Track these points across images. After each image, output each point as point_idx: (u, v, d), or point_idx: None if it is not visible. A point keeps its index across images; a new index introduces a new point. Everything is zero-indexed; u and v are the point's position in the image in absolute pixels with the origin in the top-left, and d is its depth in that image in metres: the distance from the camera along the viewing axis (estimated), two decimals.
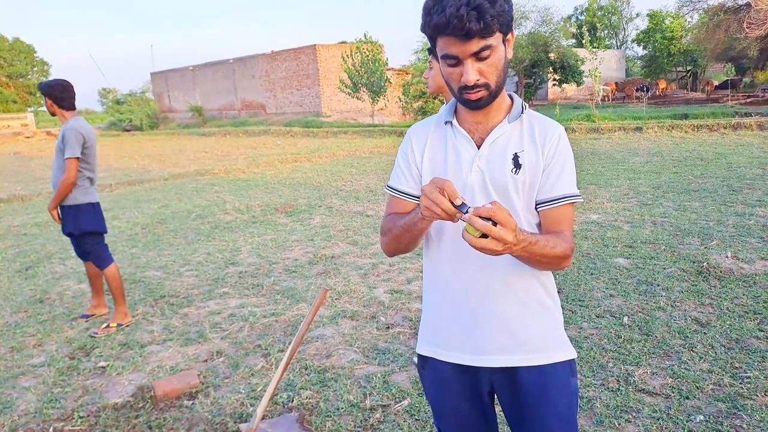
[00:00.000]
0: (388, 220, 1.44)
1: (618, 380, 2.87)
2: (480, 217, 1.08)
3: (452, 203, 1.12)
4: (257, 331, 3.82)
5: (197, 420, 2.79)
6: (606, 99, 28.23)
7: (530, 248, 1.19)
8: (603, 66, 23.76)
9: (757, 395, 2.65)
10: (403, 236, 1.37)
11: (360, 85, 23.58)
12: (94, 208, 4.02)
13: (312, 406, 2.84)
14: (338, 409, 2.80)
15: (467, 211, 1.09)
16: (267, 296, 4.49)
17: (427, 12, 1.22)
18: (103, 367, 3.40)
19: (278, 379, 2.44)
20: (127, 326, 4.01)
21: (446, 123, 1.42)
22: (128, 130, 33.83)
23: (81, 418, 2.86)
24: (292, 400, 2.89)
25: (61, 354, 3.62)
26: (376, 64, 23.23)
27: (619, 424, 2.51)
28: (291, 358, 2.46)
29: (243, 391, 3.03)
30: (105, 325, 3.95)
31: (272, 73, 30.96)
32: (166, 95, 38.81)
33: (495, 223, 1.08)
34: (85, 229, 3.96)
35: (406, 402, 2.81)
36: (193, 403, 2.94)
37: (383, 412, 2.75)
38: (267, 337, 3.71)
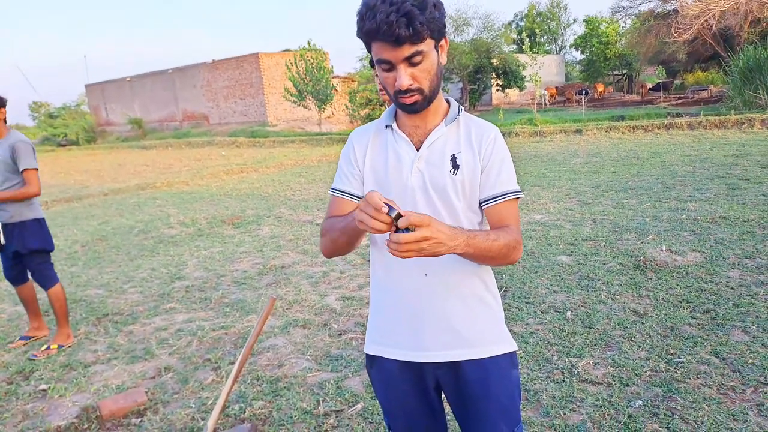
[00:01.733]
0: (328, 222, 1.45)
1: (563, 372, 2.98)
2: (400, 229, 1.10)
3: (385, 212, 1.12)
4: (206, 345, 3.74)
5: None
6: (544, 104, 29.20)
7: (471, 242, 1.22)
8: (543, 71, 24.59)
9: (690, 378, 2.81)
10: (340, 238, 1.40)
11: (306, 94, 23.45)
12: (41, 224, 3.86)
13: (265, 416, 2.81)
14: (291, 417, 2.78)
15: (395, 215, 1.11)
16: (215, 309, 4.40)
17: (361, 18, 1.25)
18: (44, 390, 3.26)
19: (228, 391, 2.40)
20: (69, 347, 3.84)
21: (386, 127, 1.46)
22: (63, 145, 32.34)
23: None
24: (245, 412, 2.85)
25: None
26: (321, 71, 23.19)
27: (565, 414, 2.60)
28: (240, 369, 2.43)
29: (193, 406, 2.96)
30: (45, 347, 3.79)
31: (214, 83, 30.38)
32: (102, 108, 37.42)
33: (413, 229, 1.10)
34: (32, 247, 3.78)
35: (359, 406, 2.82)
36: (141, 421, 2.85)
37: (337, 417, 2.75)
38: (216, 350, 3.63)
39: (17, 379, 3.46)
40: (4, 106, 3.73)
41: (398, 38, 1.21)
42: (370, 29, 1.22)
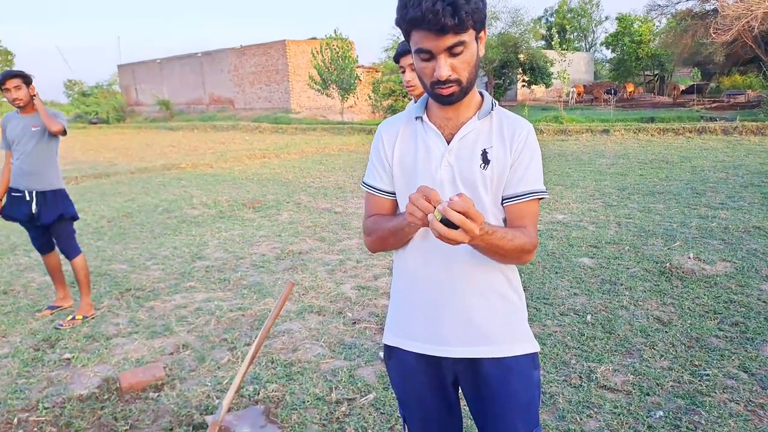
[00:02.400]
0: (373, 221, 1.45)
1: (580, 377, 2.93)
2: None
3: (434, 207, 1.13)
4: (224, 324, 3.77)
5: (163, 412, 2.75)
6: (576, 100, 28.73)
7: (487, 238, 1.21)
8: (572, 68, 24.18)
9: (716, 392, 2.73)
10: (389, 238, 1.41)
11: (330, 82, 23.42)
12: (67, 194, 4.02)
13: (278, 399, 2.82)
14: (304, 402, 2.78)
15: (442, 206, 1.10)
16: (234, 291, 4.43)
17: (403, 6, 1.22)
18: (68, 359, 3.34)
19: (244, 372, 2.41)
20: (93, 319, 3.93)
21: (417, 119, 1.43)
22: (94, 123, 32.92)
23: (46, 409, 2.81)
24: (258, 393, 2.87)
25: (25, 345, 3.54)
26: (346, 61, 23.10)
27: (581, 420, 2.56)
28: (257, 351, 2.44)
29: (209, 384, 2.99)
30: (71, 317, 3.88)
31: (241, 68, 30.53)
32: (133, 88, 37.92)
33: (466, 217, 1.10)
34: (71, 213, 3.93)
35: (371, 396, 2.82)
36: (158, 395, 2.89)
37: (349, 405, 2.75)
38: (233, 331, 3.66)
39: (44, 346, 3.54)
40: (31, 83, 3.82)
41: (443, 27, 1.19)
42: (414, 17, 1.20)
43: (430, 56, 1.25)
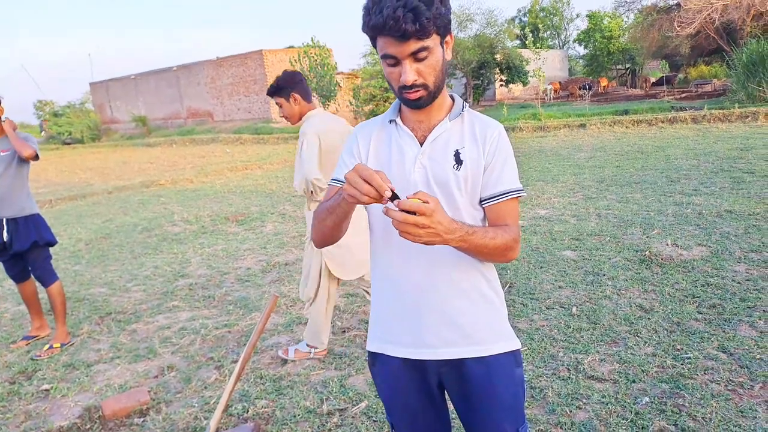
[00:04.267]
0: (319, 207, 1.44)
1: (568, 369, 2.95)
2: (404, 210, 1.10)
3: (384, 194, 1.12)
4: (209, 343, 3.73)
5: None
6: (549, 99, 29.09)
7: (468, 238, 1.23)
8: (547, 66, 24.49)
9: (697, 374, 2.78)
10: (327, 220, 1.37)
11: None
12: (42, 218, 3.93)
13: (268, 415, 2.79)
14: (295, 416, 2.76)
15: (390, 195, 1.11)
16: (219, 307, 4.39)
17: (367, 12, 1.24)
18: (46, 390, 3.25)
19: (231, 390, 2.39)
20: (71, 346, 3.84)
21: (390, 122, 1.45)
22: (68, 143, 32.39)
23: None
24: (248, 411, 2.83)
25: (0, 379, 3.43)
26: (325, 68, 23.14)
27: (571, 411, 2.58)
28: (243, 367, 2.41)
29: (196, 405, 2.95)
30: (48, 346, 3.78)
31: (218, 80, 30.36)
32: (107, 106, 37.46)
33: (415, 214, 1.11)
34: (46, 239, 3.84)
35: (363, 404, 2.81)
36: (144, 421, 2.84)
37: (341, 415, 2.73)
38: (220, 349, 3.62)
39: (20, 378, 3.45)
40: None
41: (404, 33, 1.20)
42: (377, 24, 1.21)
43: (395, 62, 1.27)
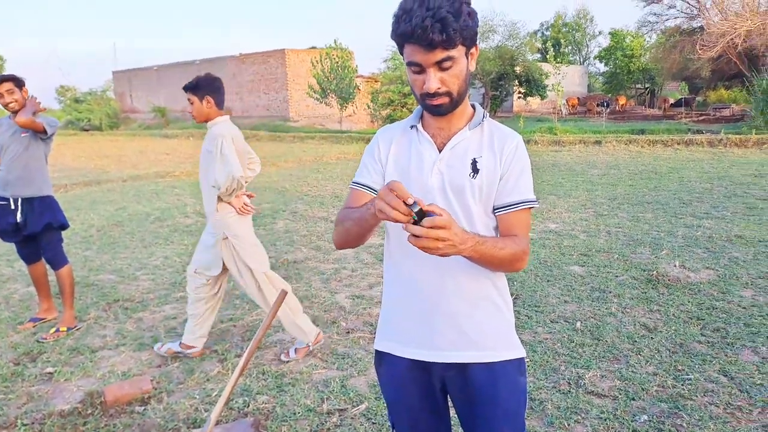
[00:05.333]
0: (344, 212, 1.47)
1: (569, 383, 2.95)
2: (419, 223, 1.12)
3: (405, 203, 1.14)
4: (214, 336, 3.76)
5: (149, 426, 2.73)
6: (570, 112, 29.03)
7: (479, 248, 1.25)
8: (566, 81, 24.43)
9: (697, 396, 2.77)
10: (352, 228, 1.40)
11: (329, 91, 23.55)
12: (56, 200, 3.98)
13: (268, 411, 2.82)
14: (294, 413, 2.79)
15: (417, 210, 1.13)
16: (225, 301, 4.42)
17: (396, 20, 1.28)
18: (50, 373, 3.29)
19: (233, 384, 2.42)
20: (77, 331, 3.89)
21: (412, 127, 1.48)
22: (87, 130, 32.76)
23: (24, 425, 2.76)
24: (248, 405, 2.86)
25: (4, 360, 3.47)
26: (346, 70, 23.27)
27: (569, 425, 2.58)
28: (247, 362, 2.44)
29: (197, 397, 2.98)
30: (54, 329, 3.82)
31: (239, 76, 30.61)
32: (128, 95, 37.89)
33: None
34: (60, 221, 3.89)
35: (363, 406, 2.83)
36: (145, 409, 2.88)
37: (340, 416, 2.76)
38: (224, 342, 3.66)
39: (24, 360, 3.49)
40: (24, 86, 3.78)
41: (431, 43, 1.24)
42: (405, 32, 1.25)
43: (420, 69, 1.30)
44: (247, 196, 3.48)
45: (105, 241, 6.49)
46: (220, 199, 3.28)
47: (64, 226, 3.96)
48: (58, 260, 3.91)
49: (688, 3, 25.79)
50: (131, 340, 3.73)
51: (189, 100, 3.29)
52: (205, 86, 3.31)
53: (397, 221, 1.14)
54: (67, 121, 34.91)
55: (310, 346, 3.42)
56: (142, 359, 3.46)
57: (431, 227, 1.11)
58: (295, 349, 3.42)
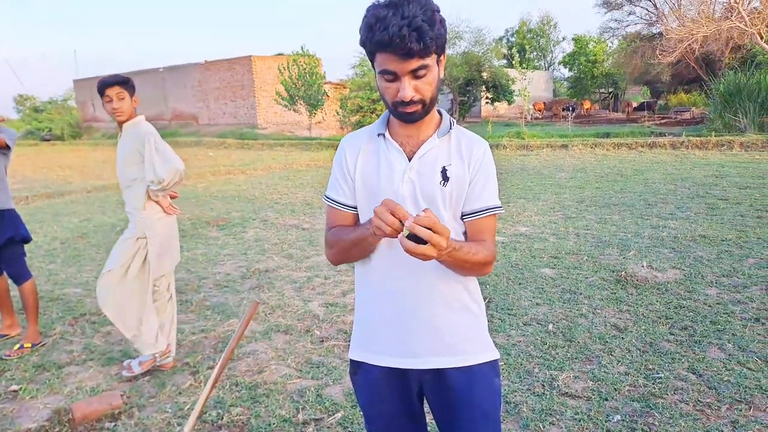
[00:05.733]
0: (334, 233, 1.47)
1: (543, 385, 2.99)
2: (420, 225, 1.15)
3: (401, 222, 1.18)
4: (185, 348, 3.69)
5: None
6: (539, 116, 29.58)
7: (454, 254, 1.27)
8: (532, 86, 24.84)
9: (668, 394, 2.84)
10: (353, 249, 1.43)
11: (297, 98, 23.45)
12: (17, 213, 3.85)
13: (242, 423, 2.77)
14: (269, 425, 2.74)
15: (408, 222, 1.16)
16: (196, 312, 4.35)
17: (369, 28, 1.26)
18: (15, 391, 3.17)
19: (206, 397, 2.37)
20: (42, 347, 3.77)
21: (379, 135, 1.47)
22: (48, 140, 31.88)
23: None
24: (222, 418, 2.81)
25: None
26: (314, 77, 23.23)
27: (544, 427, 2.61)
28: (220, 374, 2.40)
29: (170, 411, 2.92)
30: (18, 346, 3.69)
31: (205, 84, 30.20)
32: (90, 103, 36.95)
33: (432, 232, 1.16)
34: (22, 235, 3.77)
35: (339, 414, 2.80)
36: (115, 425, 2.80)
37: (316, 425, 2.73)
38: (196, 354, 3.59)
39: None
40: None
41: (409, 52, 1.24)
42: (381, 40, 1.24)
43: (394, 77, 1.30)
44: (170, 196, 3.44)
45: (70, 253, 6.30)
46: (148, 197, 3.25)
47: (27, 239, 3.84)
48: (20, 275, 3.79)
49: (647, 10, 26.67)
50: (99, 355, 3.62)
51: (118, 95, 3.20)
52: (132, 85, 3.30)
53: (392, 237, 1.20)
54: (27, 131, 33.91)
55: (157, 358, 3.33)
56: (111, 374, 3.36)
57: (428, 226, 1.15)
58: (139, 362, 3.32)
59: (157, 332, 3.31)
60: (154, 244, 3.27)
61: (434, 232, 1.15)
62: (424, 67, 1.28)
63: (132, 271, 3.26)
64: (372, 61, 1.33)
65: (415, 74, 1.29)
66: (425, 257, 1.17)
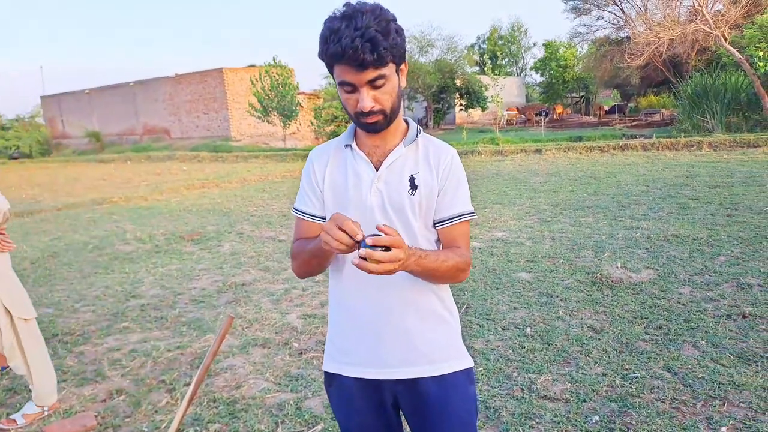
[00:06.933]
0: (298, 245, 1.47)
1: (522, 389, 3.00)
2: (376, 245, 1.14)
3: (353, 238, 1.17)
4: (161, 366, 3.62)
5: None
6: (512, 122, 29.96)
7: (421, 262, 1.27)
8: (505, 92, 25.19)
9: (644, 393, 2.87)
10: (311, 261, 1.42)
11: (270, 109, 23.34)
12: None
13: None
14: None
15: (365, 244, 1.15)
16: (171, 329, 4.27)
17: (324, 41, 1.27)
18: None
19: (182, 414, 2.32)
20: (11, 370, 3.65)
21: (346, 146, 1.47)
22: (16, 158, 31.14)
23: None
24: None
25: None
26: (287, 88, 23.14)
27: (524, 431, 2.62)
28: (196, 390, 2.35)
29: (146, 430, 2.85)
30: None
31: (177, 97, 29.92)
32: (59, 120, 36.28)
33: (388, 249, 1.15)
34: None
35: (319, 427, 2.77)
36: None
37: None
38: (172, 371, 3.52)
39: None
40: None
41: (363, 63, 1.24)
42: (335, 53, 1.24)
43: (353, 89, 1.30)
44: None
45: (40, 273, 6.14)
46: None
47: None
48: None
49: (614, 14, 27.25)
50: (72, 376, 3.53)
51: None
52: None
53: (341, 252, 1.19)
54: None
55: (45, 411, 3.07)
56: (85, 395, 3.28)
57: (387, 248, 1.13)
58: (23, 415, 3.03)
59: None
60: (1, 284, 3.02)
61: (393, 247, 1.14)
62: (382, 77, 1.28)
63: None
64: (331, 73, 1.33)
65: (372, 84, 1.29)
66: (386, 272, 1.16)
